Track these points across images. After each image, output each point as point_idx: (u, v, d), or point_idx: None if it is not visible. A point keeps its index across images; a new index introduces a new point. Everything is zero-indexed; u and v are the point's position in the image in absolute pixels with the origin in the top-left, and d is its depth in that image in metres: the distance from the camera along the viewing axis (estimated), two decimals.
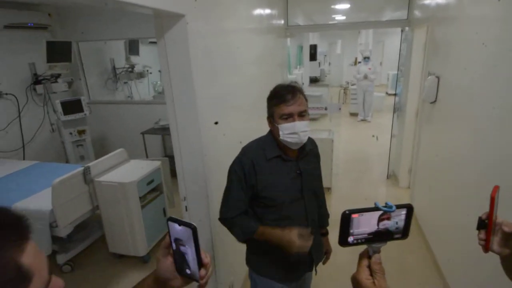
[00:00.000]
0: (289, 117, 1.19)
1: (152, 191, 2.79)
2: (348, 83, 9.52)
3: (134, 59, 4.99)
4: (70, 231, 2.46)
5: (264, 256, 1.37)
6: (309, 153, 1.34)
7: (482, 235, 0.75)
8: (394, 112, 4.25)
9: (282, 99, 1.19)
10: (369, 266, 0.65)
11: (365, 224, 0.64)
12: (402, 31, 3.93)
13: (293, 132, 1.19)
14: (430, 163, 2.90)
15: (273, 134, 1.28)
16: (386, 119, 7.16)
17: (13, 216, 0.46)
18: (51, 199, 2.28)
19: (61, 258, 2.59)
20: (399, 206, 0.65)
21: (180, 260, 0.62)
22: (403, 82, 4.05)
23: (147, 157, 4.07)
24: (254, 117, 2.54)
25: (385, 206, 0.64)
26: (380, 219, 0.64)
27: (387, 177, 4.38)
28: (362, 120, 7.68)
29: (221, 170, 1.54)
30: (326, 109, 3.90)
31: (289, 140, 1.20)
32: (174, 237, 0.60)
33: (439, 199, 2.60)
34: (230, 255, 2.05)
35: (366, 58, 7.37)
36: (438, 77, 2.63)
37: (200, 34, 1.56)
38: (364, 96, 7.51)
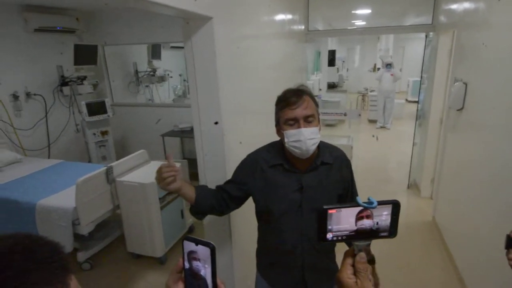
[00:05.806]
0: (294, 122, 1.09)
1: (171, 193, 2.80)
2: (367, 89, 9.33)
3: (156, 63, 5.11)
4: (91, 229, 2.50)
5: (262, 257, 1.35)
6: (323, 166, 1.18)
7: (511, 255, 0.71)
8: (416, 119, 4.13)
9: (286, 102, 1.10)
10: (353, 265, 0.62)
11: (345, 221, 0.61)
12: (426, 36, 3.83)
13: (298, 139, 1.08)
14: (456, 173, 2.78)
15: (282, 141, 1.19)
16: (406, 127, 7.00)
17: (52, 246, 0.43)
18: (75, 197, 2.34)
19: (81, 256, 2.64)
20: (383, 203, 0.61)
21: (192, 286, 0.57)
22: (426, 89, 3.94)
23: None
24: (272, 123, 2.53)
25: (365, 202, 0.60)
26: (358, 217, 0.61)
27: (408, 187, 4.25)
28: (381, 127, 7.52)
29: None
30: (345, 114, 3.84)
31: (294, 149, 1.10)
32: (188, 250, 0.56)
33: (465, 211, 2.49)
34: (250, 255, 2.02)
35: (388, 65, 7.20)
36: (465, 84, 2.54)
37: (226, 37, 1.57)
38: (385, 103, 7.35)
